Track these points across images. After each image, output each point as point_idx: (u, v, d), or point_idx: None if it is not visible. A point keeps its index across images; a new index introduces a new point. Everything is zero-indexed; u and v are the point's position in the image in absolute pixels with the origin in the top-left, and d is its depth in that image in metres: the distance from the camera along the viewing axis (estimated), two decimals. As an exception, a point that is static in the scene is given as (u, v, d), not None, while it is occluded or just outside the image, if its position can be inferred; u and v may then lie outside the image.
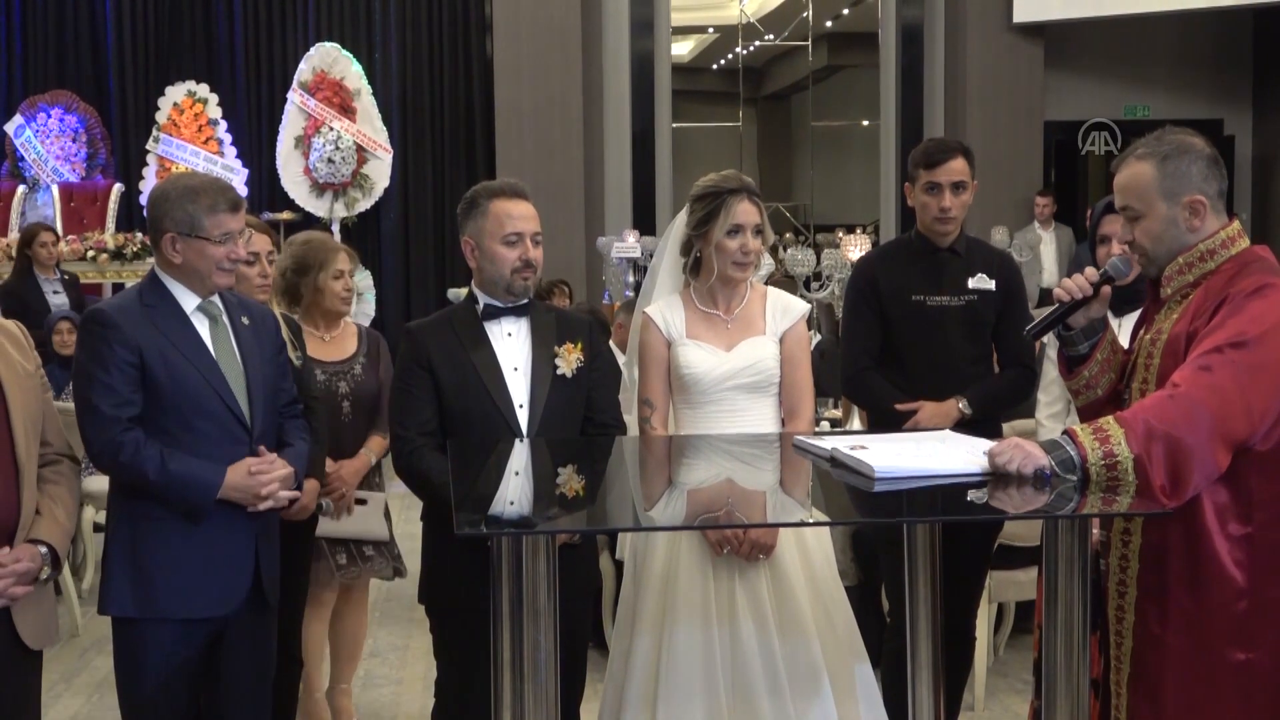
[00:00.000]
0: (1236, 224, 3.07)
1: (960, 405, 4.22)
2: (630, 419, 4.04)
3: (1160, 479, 2.78)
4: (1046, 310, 3.33)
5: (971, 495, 2.87)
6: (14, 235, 11.60)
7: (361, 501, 4.73)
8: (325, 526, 4.61)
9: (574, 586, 3.57)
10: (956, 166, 4.29)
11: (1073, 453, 2.84)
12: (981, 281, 4.34)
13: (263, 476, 3.49)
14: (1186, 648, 2.93)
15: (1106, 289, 3.15)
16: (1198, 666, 2.93)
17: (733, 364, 3.81)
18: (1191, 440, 2.78)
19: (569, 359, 3.69)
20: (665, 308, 3.92)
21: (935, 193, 4.29)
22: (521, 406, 3.64)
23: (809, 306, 4.00)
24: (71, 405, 3.57)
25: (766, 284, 4.20)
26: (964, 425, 4.06)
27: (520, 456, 3.46)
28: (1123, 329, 3.63)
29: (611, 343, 6.97)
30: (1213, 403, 2.79)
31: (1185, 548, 2.92)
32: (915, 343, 4.32)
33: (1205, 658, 2.92)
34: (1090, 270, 3.17)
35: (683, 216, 3.92)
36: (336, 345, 4.73)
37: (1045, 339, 3.86)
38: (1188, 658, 2.93)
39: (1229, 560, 2.89)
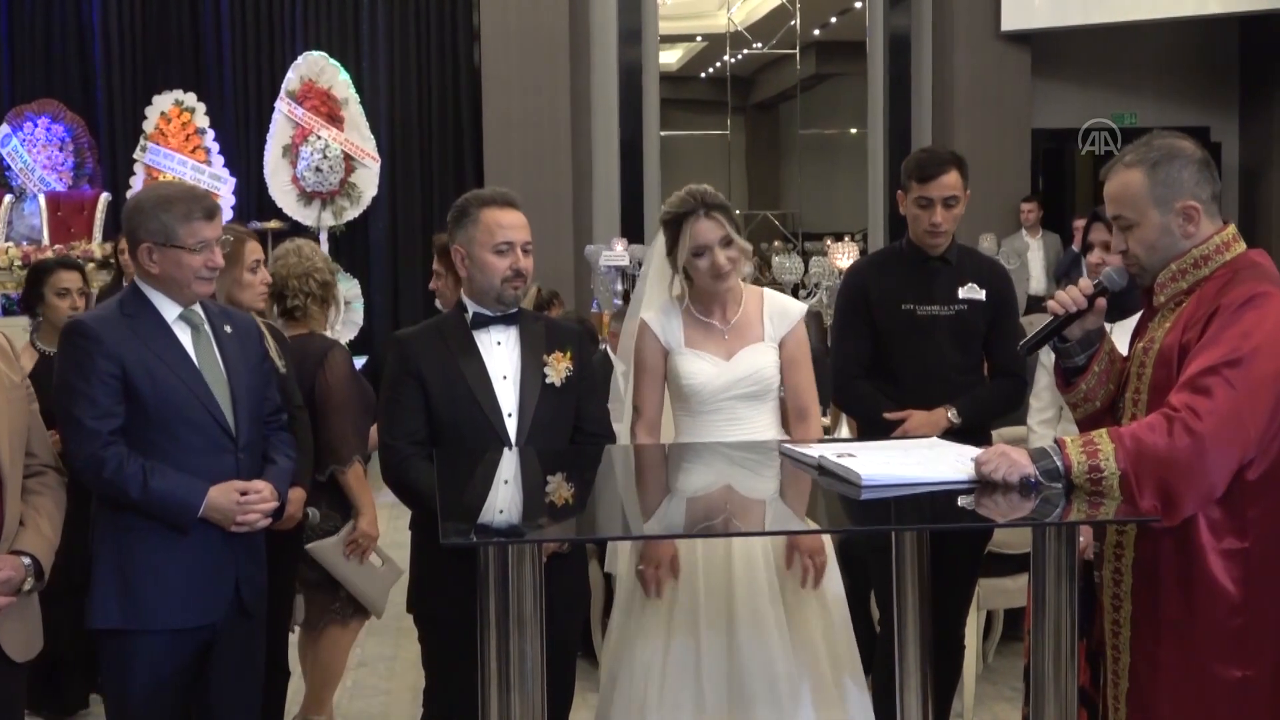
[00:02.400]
0: (1231, 228, 3.01)
1: (949, 414, 4.21)
2: (619, 428, 4.04)
3: (1149, 500, 2.77)
4: (1035, 317, 3.31)
5: (961, 503, 2.87)
6: (1, 244, 11.59)
7: (379, 559, 4.62)
8: (330, 559, 4.54)
9: (563, 596, 3.56)
10: (949, 181, 4.26)
11: (1058, 463, 2.83)
12: (972, 291, 4.33)
13: (249, 508, 3.49)
14: (1182, 665, 2.89)
15: (1101, 301, 3.09)
16: (1193, 684, 2.88)
17: (733, 373, 3.81)
18: (1186, 463, 2.75)
19: (558, 368, 3.68)
20: (663, 315, 3.90)
21: (927, 207, 4.26)
22: (510, 415, 3.63)
23: (805, 307, 3.99)
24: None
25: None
26: (953, 434, 4.05)
27: (509, 466, 3.45)
28: (1117, 335, 3.58)
29: (607, 350, 6.97)
30: (1210, 426, 2.75)
31: (1178, 563, 2.88)
32: (905, 352, 4.31)
33: (1201, 675, 2.87)
34: (1084, 282, 3.12)
35: (661, 234, 3.91)
36: None
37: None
38: (1183, 675, 2.89)
39: (1224, 576, 2.84)
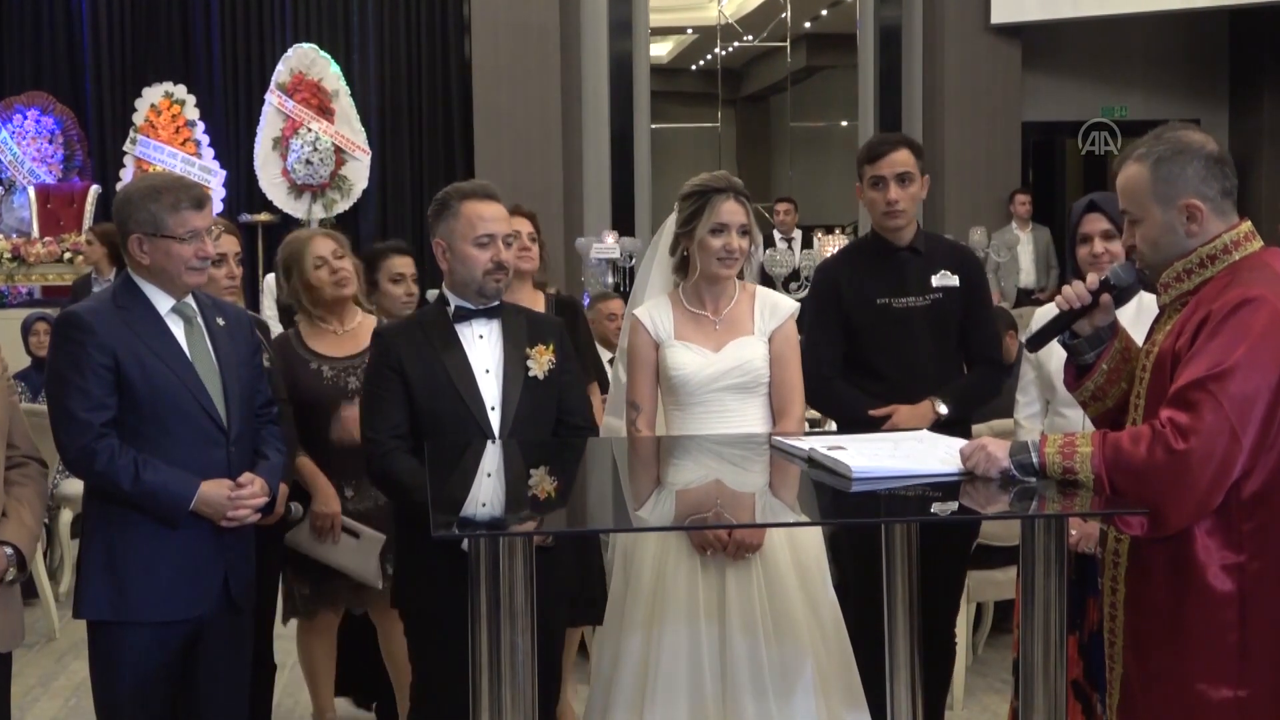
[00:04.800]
0: (1244, 226, 2.88)
1: (936, 406, 4.20)
2: (617, 422, 4.04)
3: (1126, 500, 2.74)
4: (1025, 310, 3.29)
5: (950, 495, 2.88)
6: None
7: (353, 534, 4.44)
8: (308, 546, 4.44)
9: (548, 588, 3.56)
10: (899, 158, 4.24)
11: (1034, 458, 2.82)
12: (945, 278, 4.29)
13: (240, 503, 3.50)
14: (1172, 682, 2.81)
15: (1107, 297, 3.02)
16: (1183, 702, 2.79)
17: (721, 365, 3.80)
18: (1163, 480, 2.68)
19: (541, 360, 3.67)
20: (654, 309, 3.91)
21: (880, 187, 4.24)
22: (493, 409, 3.62)
23: (797, 305, 3.98)
24: (46, 408, 3.54)
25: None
26: (938, 425, 4.05)
27: (493, 458, 3.45)
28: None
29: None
30: (1193, 445, 2.67)
31: (1171, 576, 2.80)
32: (884, 347, 4.26)
33: (1191, 694, 2.78)
34: (1091, 277, 3.06)
35: (672, 218, 3.92)
36: (351, 339, 4.54)
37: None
38: (1173, 692, 2.81)
39: (1219, 591, 2.75)
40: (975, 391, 4.36)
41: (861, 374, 4.30)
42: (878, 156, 4.25)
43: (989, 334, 4.41)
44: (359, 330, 4.57)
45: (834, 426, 5.72)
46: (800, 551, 3.76)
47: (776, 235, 12.03)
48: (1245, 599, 2.76)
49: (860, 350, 4.31)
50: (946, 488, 2.89)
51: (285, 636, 4.76)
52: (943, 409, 4.19)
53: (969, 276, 4.35)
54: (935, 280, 4.28)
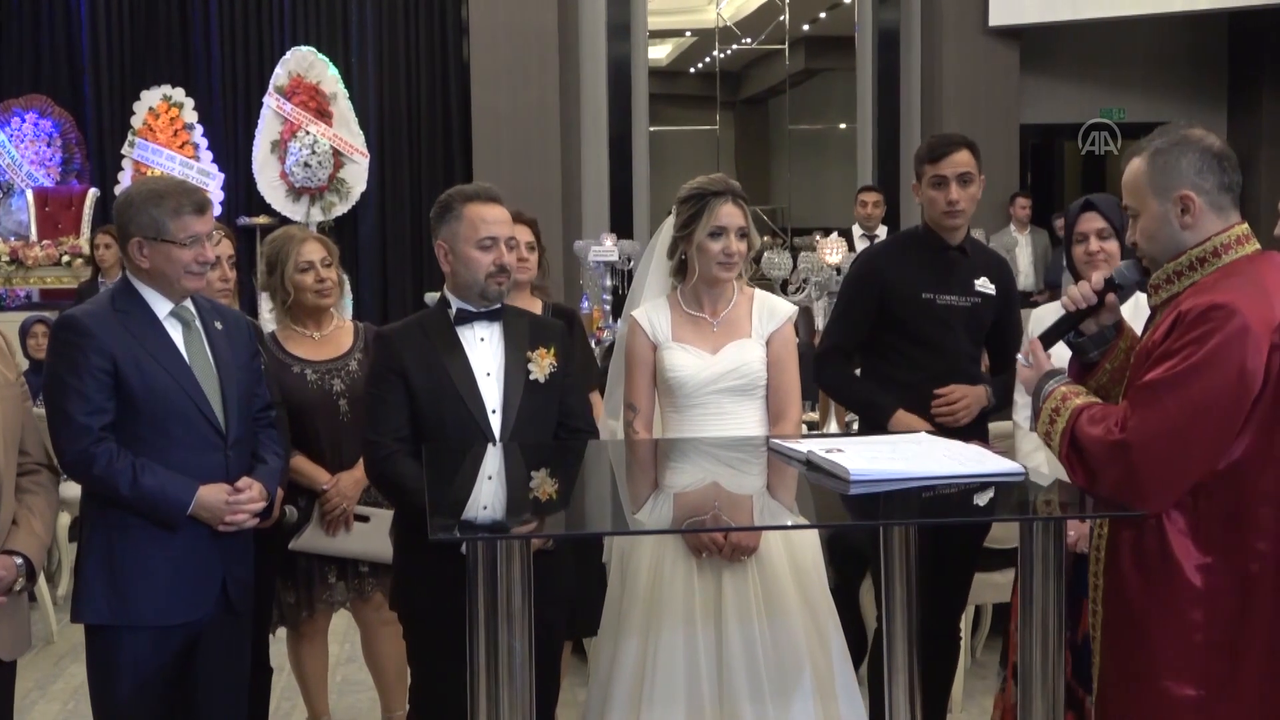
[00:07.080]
0: (1240, 229, 2.89)
1: (988, 393, 4.25)
2: (614, 424, 4.04)
3: (1080, 481, 2.85)
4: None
5: (947, 498, 2.88)
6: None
7: (363, 519, 4.46)
8: (320, 543, 4.45)
9: (548, 591, 3.56)
10: (961, 158, 4.27)
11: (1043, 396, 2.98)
12: (985, 284, 4.33)
13: (238, 507, 3.49)
14: (1138, 678, 2.84)
15: (1112, 296, 3.05)
16: (1146, 700, 2.82)
17: (718, 367, 3.81)
18: (1105, 462, 2.77)
19: (542, 364, 3.68)
20: (652, 311, 3.91)
21: (942, 186, 4.26)
22: (494, 412, 3.62)
23: (796, 309, 3.98)
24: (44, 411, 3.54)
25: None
26: (982, 415, 4.18)
27: (493, 461, 3.45)
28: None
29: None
30: (1136, 438, 2.74)
31: (1141, 575, 2.84)
32: (923, 340, 4.27)
33: (1153, 690, 2.81)
34: (1096, 277, 3.08)
35: (670, 220, 3.93)
36: (329, 343, 4.56)
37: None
38: (1139, 689, 2.84)
39: (1187, 591, 2.78)
40: (1009, 391, 4.36)
41: (896, 364, 4.31)
42: (940, 157, 4.28)
43: (1017, 342, 4.43)
44: (336, 334, 4.61)
45: (835, 428, 5.73)
46: (797, 554, 3.76)
47: (856, 231, 10.65)
48: (1213, 599, 2.78)
49: (897, 341, 4.31)
50: (945, 490, 2.89)
51: (283, 639, 4.76)
52: (991, 398, 4.26)
53: (1004, 286, 4.41)
54: (977, 284, 4.32)
